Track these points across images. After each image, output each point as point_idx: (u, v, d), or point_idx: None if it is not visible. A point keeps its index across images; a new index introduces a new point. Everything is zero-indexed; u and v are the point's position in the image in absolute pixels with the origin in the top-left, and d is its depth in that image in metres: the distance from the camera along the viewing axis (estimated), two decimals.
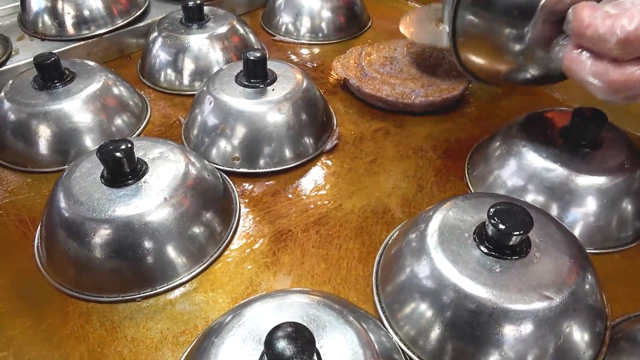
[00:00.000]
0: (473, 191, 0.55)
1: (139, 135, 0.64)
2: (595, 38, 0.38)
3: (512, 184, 0.52)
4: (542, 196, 0.50)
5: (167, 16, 0.76)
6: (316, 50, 0.83)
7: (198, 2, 0.72)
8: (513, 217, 0.39)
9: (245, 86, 0.59)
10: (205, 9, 0.74)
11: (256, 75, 0.60)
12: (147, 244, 0.45)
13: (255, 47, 0.76)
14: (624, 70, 0.37)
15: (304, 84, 0.61)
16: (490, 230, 0.39)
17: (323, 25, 0.85)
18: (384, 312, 0.43)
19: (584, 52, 0.40)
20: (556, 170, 0.50)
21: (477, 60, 0.51)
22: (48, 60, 0.59)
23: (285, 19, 0.86)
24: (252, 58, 0.58)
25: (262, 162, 0.58)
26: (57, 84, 0.60)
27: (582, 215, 0.49)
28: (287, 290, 0.44)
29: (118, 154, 0.45)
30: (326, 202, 0.55)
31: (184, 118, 0.67)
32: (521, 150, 0.52)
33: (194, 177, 0.49)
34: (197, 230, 0.48)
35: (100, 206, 0.45)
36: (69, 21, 0.75)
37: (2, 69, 0.69)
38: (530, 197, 0.51)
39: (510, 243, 0.39)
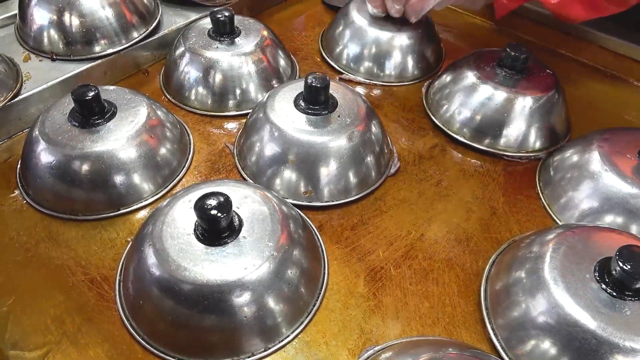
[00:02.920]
0: (554, 214, 0.56)
1: (188, 167, 0.60)
2: None
3: (589, 206, 0.54)
4: (622, 218, 0.52)
5: (192, 27, 0.70)
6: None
7: (227, 14, 0.66)
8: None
9: (308, 113, 0.57)
10: None
11: (318, 101, 0.57)
12: (245, 299, 0.42)
13: (284, 54, 0.72)
14: None
15: (366, 107, 0.59)
16: (616, 270, 0.40)
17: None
18: (505, 352, 0.44)
19: None
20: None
21: None
22: (89, 94, 0.53)
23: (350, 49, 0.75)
24: (317, 85, 0.55)
25: (331, 193, 0.56)
26: (99, 120, 0.55)
27: None
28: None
29: (215, 212, 0.42)
30: (408, 233, 0.54)
31: (232, 144, 0.63)
32: (601, 171, 0.53)
33: (292, 227, 0.47)
34: (295, 276, 0.46)
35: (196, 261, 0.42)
36: (79, 38, 0.68)
37: (17, 99, 0.62)
38: (609, 219, 0.53)
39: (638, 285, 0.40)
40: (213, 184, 0.49)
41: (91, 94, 0.53)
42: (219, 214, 0.42)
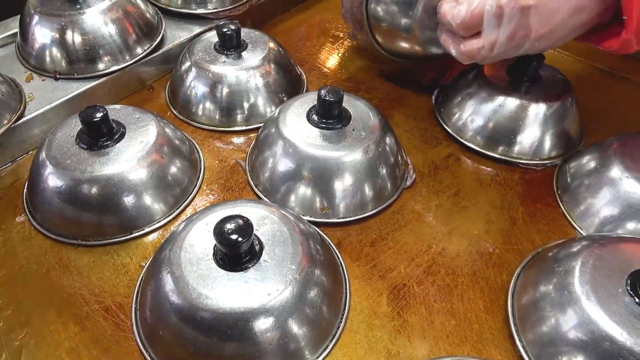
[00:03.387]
0: (574, 223, 0.55)
1: (200, 186, 0.59)
2: (447, 24, 0.54)
3: (610, 213, 0.53)
4: None
5: (198, 41, 0.69)
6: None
7: (233, 27, 0.65)
8: None
9: (322, 127, 0.55)
10: None
11: (332, 115, 0.55)
12: (266, 328, 0.41)
13: (291, 66, 0.71)
14: (467, 44, 0.54)
15: (380, 120, 0.58)
16: None
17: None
18: None
19: (449, 32, 0.57)
20: None
21: (389, 40, 0.68)
22: (97, 116, 0.52)
23: None
24: (331, 99, 0.54)
25: (347, 208, 0.55)
26: (108, 142, 0.53)
27: None
28: None
29: (235, 237, 0.40)
30: (429, 247, 0.53)
31: (244, 161, 0.61)
32: (621, 178, 0.52)
33: (312, 247, 0.45)
34: (318, 298, 0.44)
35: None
36: (82, 56, 0.66)
37: (21, 121, 0.60)
38: (631, 226, 0.52)
39: None
40: (229, 205, 0.48)
41: (99, 115, 0.52)
42: (240, 239, 0.40)
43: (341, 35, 0.84)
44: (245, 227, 0.41)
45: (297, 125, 0.56)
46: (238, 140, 0.65)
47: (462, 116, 0.66)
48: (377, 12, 0.65)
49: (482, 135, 0.64)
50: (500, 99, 0.63)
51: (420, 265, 0.51)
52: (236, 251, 0.42)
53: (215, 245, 0.43)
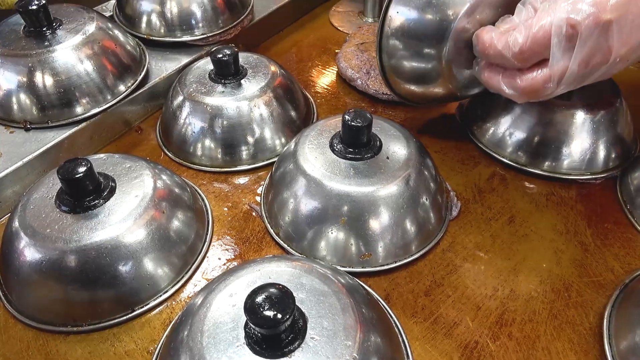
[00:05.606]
0: None
1: (210, 240, 0.49)
2: (497, 55, 0.44)
3: None
4: None
5: (189, 71, 0.60)
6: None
7: (228, 52, 0.57)
8: None
9: (350, 158, 0.47)
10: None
11: (359, 143, 0.47)
12: None
13: (297, 90, 0.62)
14: (528, 77, 0.43)
15: (415, 142, 0.50)
16: None
17: None
18: None
19: (495, 68, 0.46)
20: None
21: (407, 85, 0.55)
22: (79, 171, 0.42)
23: None
24: (358, 124, 0.45)
25: (389, 252, 0.46)
26: (96, 201, 0.44)
27: None
28: None
29: (274, 313, 0.31)
30: (494, 291, 0.44)
31: (257, 205, 0.52)
32: None
33: (364, 310, 0.36)
34: None
35: None
36: (56, 100, 0.57)
37: None
38: None
39: None
40: (253, 266, 0.38)
41: (82, 169, 0.42)
42: (280, 315, 0.31)
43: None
44: (284, 299, 0.32)
45: (319, 158, 0.47)
46: (246, 180, 0.56)
47: (497, 131, 0.58)
48: (394, 64, 0.53)
49: (524, 150, 0.56)
50: (540, 108, 0.55)
51: (490, 314, 0.42)
52: (276, 331, 0.32)
53: (246, 323, 0.34)
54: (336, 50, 0.75)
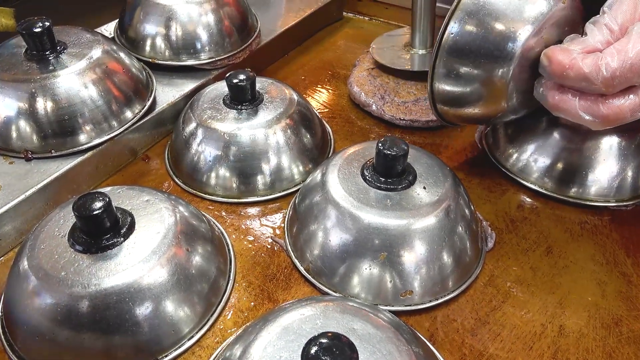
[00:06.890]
0: None
1: (234, 278, 0.46)
2: (580, 78, 0.40)
3: None
4: None
5: (202, 96, 0.57)
6: None
7: (244, 77, 0.54)
8: None
9: (384, 189, 0.44)
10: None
11: (394, 173, 0.45)
12: None
13: (314, 116, 0.60)
14: (614, 103, 0.40)
15: (449, 171, 0.47)
16: None
17: None
18: None
19: (570, 91, 0.42)
20: None
21: (459, 112, 0.52)
22: (97, 207, 0.38)
23: None
24: (394, 153, 0.43)
25: (428, 288, 0.43)
26: (114, 239, 0.40)
27: None
28: None
29: None
30: (543, 328, 0.42)
31: (281, 239, 0.49)
32: None
33: (415, 352, 0.33)
34: None
35: None
36: (59, 128, 0.53)
37: None
38: None
39: None
40: (293, 309, 0.35)
41: (99, 204, 0.39)
42: None
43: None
44: (345, 351, 0.29)
45: (350, 188, 0.45)
46: (265, 211, 0.53)
47: (521, 156, 0.56)
48: (449, 85, 0.50)
49: (550, 176, 0.54)
50: (565, 131, 0.54)
51: (543, 354, 0.40)
52: None
53: None
54: (345, 74, 0.73)
